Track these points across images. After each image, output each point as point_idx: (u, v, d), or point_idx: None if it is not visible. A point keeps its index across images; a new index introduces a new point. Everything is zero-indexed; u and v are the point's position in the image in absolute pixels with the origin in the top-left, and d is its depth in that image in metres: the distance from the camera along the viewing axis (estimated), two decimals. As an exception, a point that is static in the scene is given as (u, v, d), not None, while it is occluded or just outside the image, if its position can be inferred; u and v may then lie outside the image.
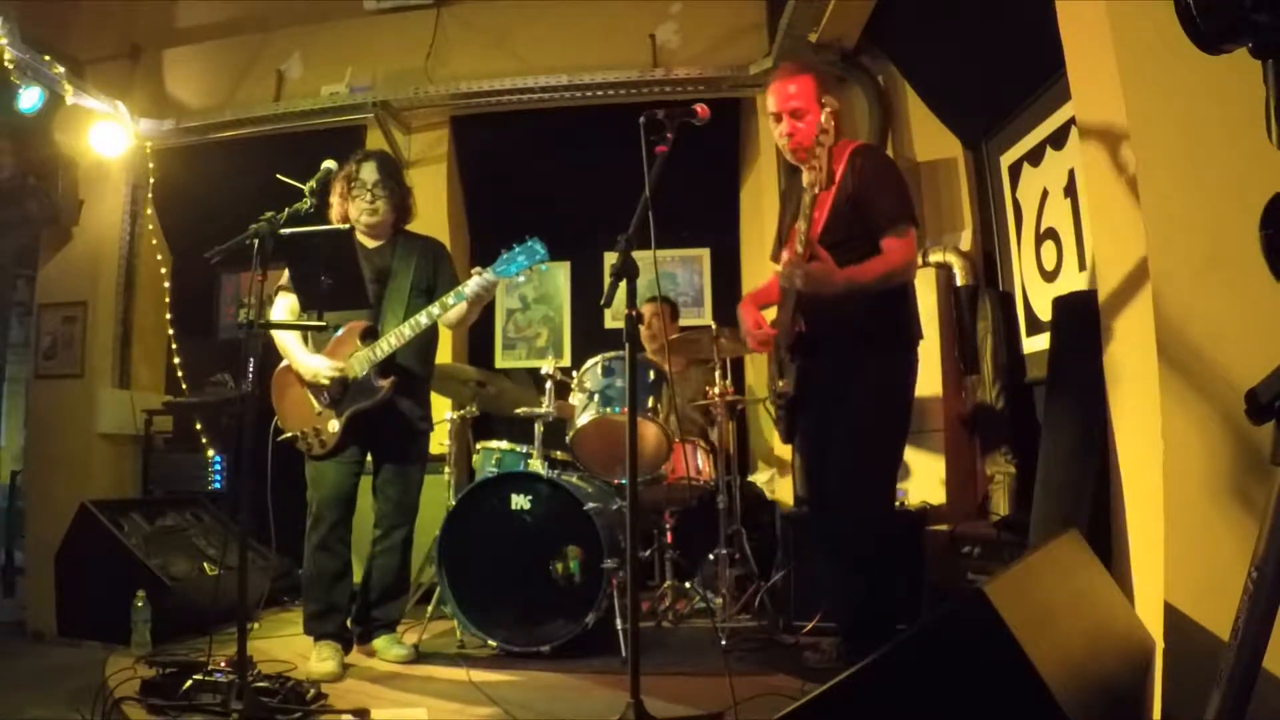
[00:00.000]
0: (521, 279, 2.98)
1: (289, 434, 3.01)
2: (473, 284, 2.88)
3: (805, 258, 2.41)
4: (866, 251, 2.49)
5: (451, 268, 3.23)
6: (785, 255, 2.43)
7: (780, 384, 2.77)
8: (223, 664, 2.47)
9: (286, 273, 2.92)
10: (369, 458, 3.12)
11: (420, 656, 3.06)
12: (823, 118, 2.41)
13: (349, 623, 3.07)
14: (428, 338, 3.13)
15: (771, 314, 2.84)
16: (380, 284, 3.07)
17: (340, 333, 3.01)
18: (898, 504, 3.36)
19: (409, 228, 3.26)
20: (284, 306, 3.01)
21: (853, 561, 2.60)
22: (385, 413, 3.00)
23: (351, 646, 3.04)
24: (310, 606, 3.00)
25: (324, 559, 2.99)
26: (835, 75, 4.33)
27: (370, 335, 3.00)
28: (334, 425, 2.96)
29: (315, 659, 2.83)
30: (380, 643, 3.09)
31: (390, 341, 2.94)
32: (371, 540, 3.15)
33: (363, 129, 4.88)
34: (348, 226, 3.05)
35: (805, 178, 2.58)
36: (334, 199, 3.13)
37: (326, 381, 2.94)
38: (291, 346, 3.04)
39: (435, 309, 2.91)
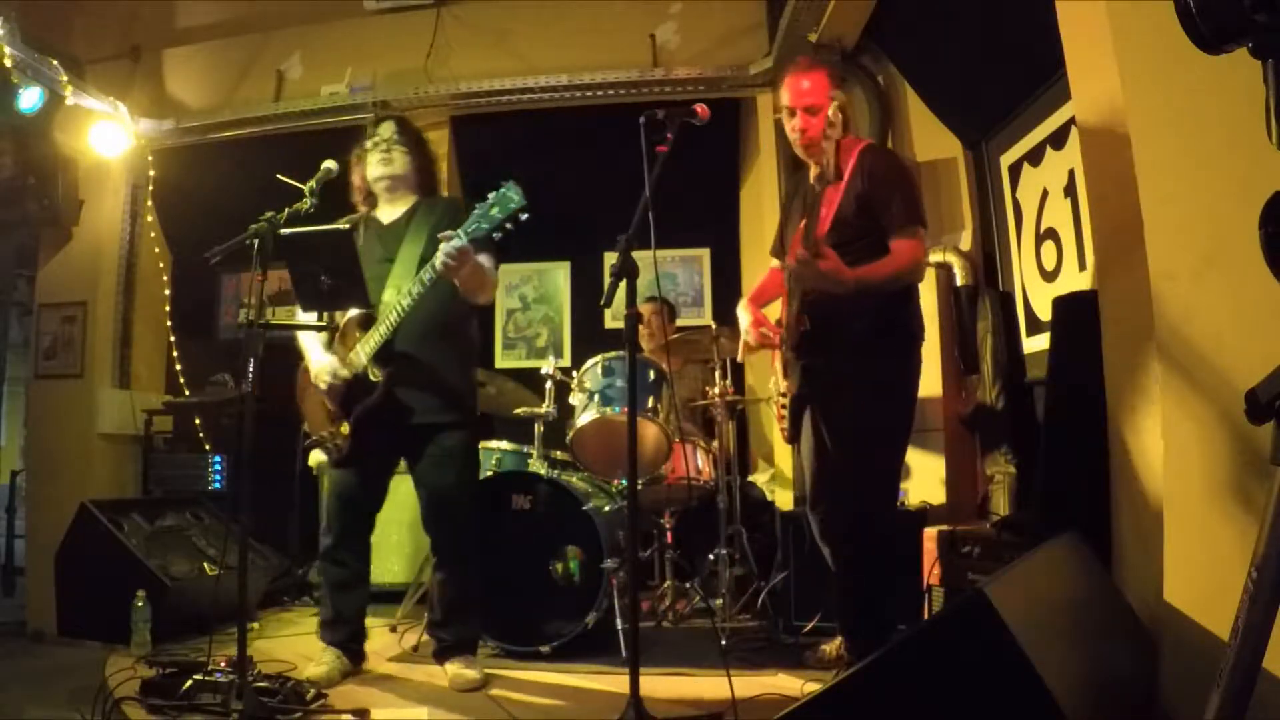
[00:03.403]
0: (497, 235, 2.53)
1: (315, 437, 2.86)
2: (441, 254, 2.54)
3: (812, 255, 2.37)
4: (874, 251, 2.47)
5: None
6: (794, 253, 2.42)
7: (785, 384, 2.78)
8: (223, 664, 2.47)
9: (258, 264, 2.54)
10: (401, 461, 2.93)
11: (420, 656, 3.06)
12: (830, 111, 2.41)
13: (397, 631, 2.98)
14: (434, 322, 2.77)
15: (771, 311, 2.84)
16: (392, 262, 2.79)
17: (342, 327, 2.82)
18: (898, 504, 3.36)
19: None
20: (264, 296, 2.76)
21: (856, 561, 2.60)
22: (391, 409, 2.74)
23: (363, 658, 2.92)
24: (320, 613, 2.94)
25: (329, 569, 2.88)
26: (835, 75, 4.33)
27: (369, 323, 2.75)
28: (345, 428, 2.77)
29: (314, 661, 2.81)
30: (450, 666, 2.80)
31: (381, 331, 2.69)
32: None
33: (363, 129, 4.87)
34: (348, 226, 2.85)
35: (814, 173, 2.61)
36: (354, 177, 2.95)
37: (326, 383, 2.75)
38: (309, 344, 2.85)
39: (416, 287, 2.63)
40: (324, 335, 2.84)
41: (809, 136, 2.58)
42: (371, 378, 2.72)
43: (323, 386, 2.77)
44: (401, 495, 3.21)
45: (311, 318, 2.90)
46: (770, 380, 2.96)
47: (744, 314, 2.76)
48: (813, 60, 2.73)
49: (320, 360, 2.80)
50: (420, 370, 2.77)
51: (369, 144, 2.95)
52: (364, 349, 2.73)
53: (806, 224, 2.40)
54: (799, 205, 2.73)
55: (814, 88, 2.56)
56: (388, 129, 2.96)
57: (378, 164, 2.91)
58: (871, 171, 2.50)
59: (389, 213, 2.96)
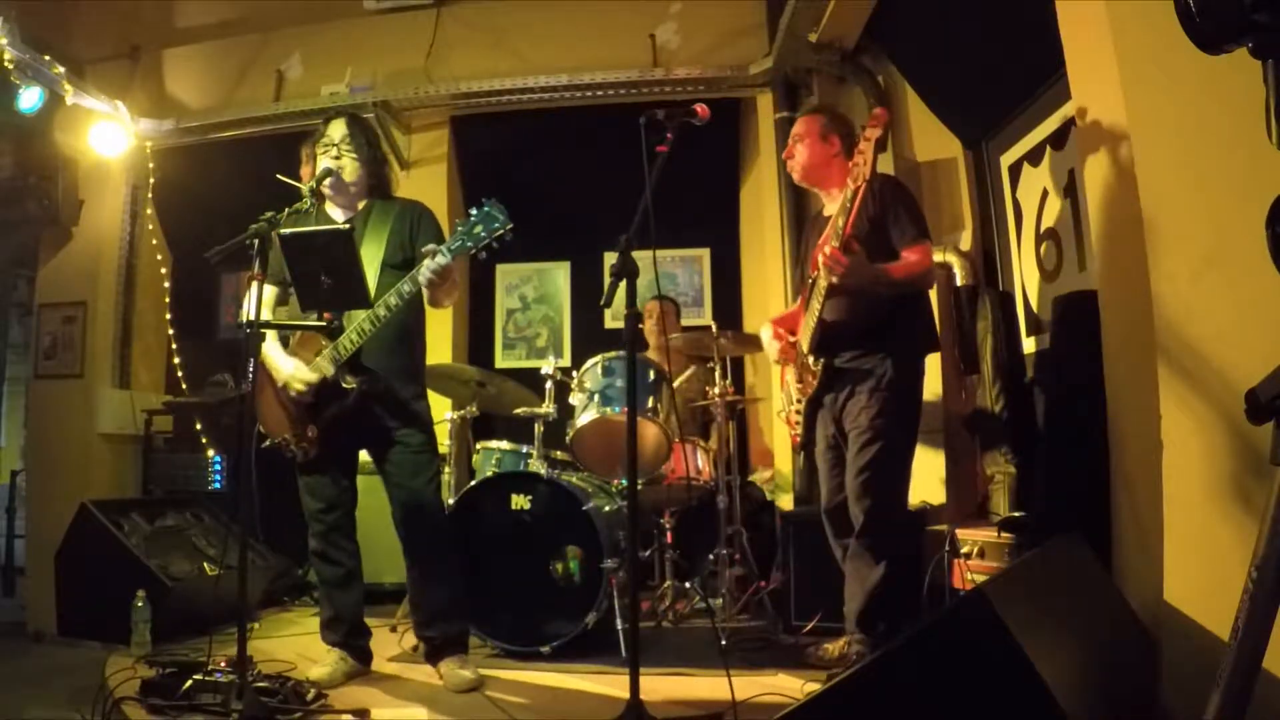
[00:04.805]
0: (484, 256, 2.59)
1: (272, 440, 2.81)
2: (425, 270, 2.56)
3: (840, 250, 2.55)
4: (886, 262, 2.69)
5: (435, 231, 2.88)
6: (822, 249, 2.60)
7: (795, 390, 2.86)
8: (223, 664, 2.47)
9: (257, 264, 2.54)
10: (364, 455, 2.93)
11: (420, 656, 3.05)
12: (867, 119, 2.63)
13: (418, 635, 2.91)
14: (401, 329, 2.80)
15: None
16: None
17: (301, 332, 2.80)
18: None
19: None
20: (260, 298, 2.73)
21: (866, 561, 2.63)
22: (361, 417, 2.74)
23: (369, 657, 2.92)
24: (320, 613, 2.94)
25: (320, 566, 2.88)
26: (835, 75, 4.34)
27: (336, 329, 2.70)
28: (312, 432, 2.75)
29: (318, 663, 2.80)
30: (443, 666, 2.78)
31: (352, 338, 2.67)
32: None
33: (314, 129, 4.85)
34: (348, 226, 2.82)
35: (828, 209, 2.86)
36: (303, 170, 2.91)
37: (299, 389, 2.73)
38: (270, 345, 2.81)
39: (394, 299, 2.62)
40: (279, 335, 2.84)
41: (794, 164, 2.93)
42: (345, 384, 2.69)
43: (297, 391, 2.74)
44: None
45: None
46: (780, 393, 3.00)
47: (765, 329, 3.04)
48: (818, 105, 3.28)
49: (287, 367, 2.77)
50: (387, 377, 2.79)
51: (318, 147, 2.89)
52: (340, 351, 2.70)
53: (838, 224, 2.57)
54: (814, 228, 2.97)
55: (803, 122, 2.95)
56: (338, 131, 2.89)
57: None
58: (881, 194, 2.75)
59: (341, 213, 2.94)
